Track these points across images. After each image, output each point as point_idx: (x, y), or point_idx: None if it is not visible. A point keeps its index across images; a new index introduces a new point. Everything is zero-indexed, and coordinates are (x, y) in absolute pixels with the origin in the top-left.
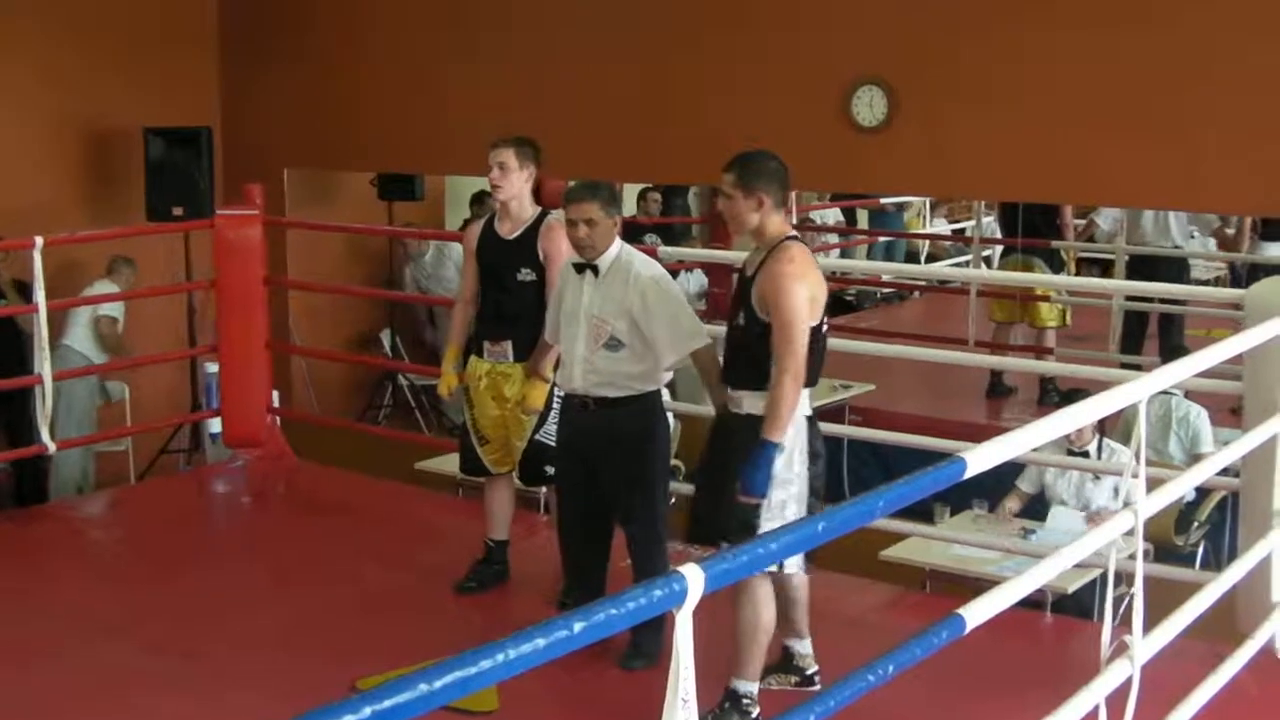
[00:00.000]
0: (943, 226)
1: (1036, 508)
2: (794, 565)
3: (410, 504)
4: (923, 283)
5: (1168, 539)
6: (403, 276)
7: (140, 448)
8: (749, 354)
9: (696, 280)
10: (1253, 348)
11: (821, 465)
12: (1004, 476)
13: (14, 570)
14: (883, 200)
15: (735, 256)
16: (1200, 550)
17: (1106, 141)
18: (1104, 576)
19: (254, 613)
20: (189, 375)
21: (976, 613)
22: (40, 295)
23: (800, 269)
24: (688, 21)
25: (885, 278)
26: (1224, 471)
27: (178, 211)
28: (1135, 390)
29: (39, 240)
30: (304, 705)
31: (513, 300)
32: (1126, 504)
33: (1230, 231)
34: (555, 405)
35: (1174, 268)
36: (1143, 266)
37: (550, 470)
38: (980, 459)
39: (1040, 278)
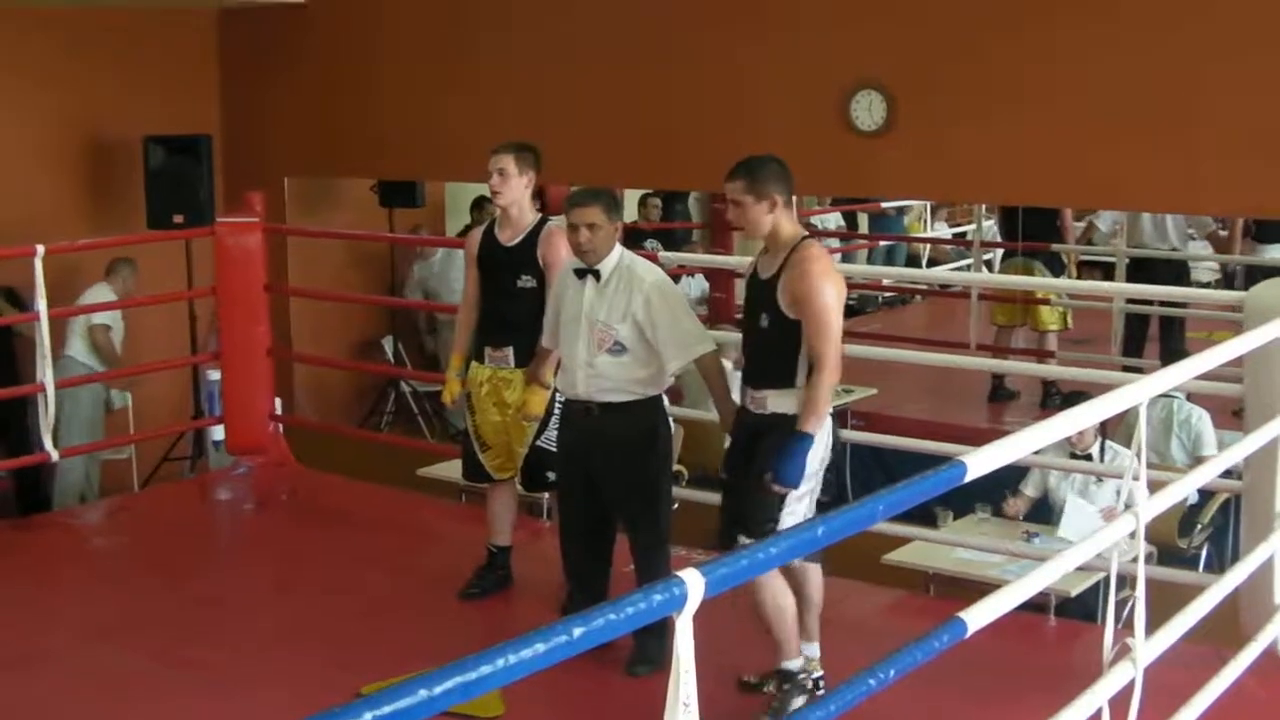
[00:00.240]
0: (944, 230)
1: (1040, 511)
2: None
3: (413, 510)
4: (924, 286)
5: (1172, 541)
6: (408, 276)
7: (143, 455)
8: (778, 353)
9: (698, 285)
10: (1253, 350)
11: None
12: (1006, 480)
13: (19, 577)
14: (883, 204)
15: (736, 261)
16: (1204, 553)
17: (1106, 144)
18: (1107, 579)
19: (257, 619)
20: (191, 383)
21: (978, 616)
22: (42, 304)
23: (828, 265)
24: (688, 28)
25: (886, 282)
26: (1226, 474)
27: (178, 219)
28: (1136, 393)
29: (40, 249)
30: (307, 711)
31: (513, 306)
32: (1128, 506)
33: (1223, 234)
34: (556, 411)
35: (1173, 270)
36: (1142, 269)
37: (552, 476)
38: (980, 462)
39: (1041, 281)
